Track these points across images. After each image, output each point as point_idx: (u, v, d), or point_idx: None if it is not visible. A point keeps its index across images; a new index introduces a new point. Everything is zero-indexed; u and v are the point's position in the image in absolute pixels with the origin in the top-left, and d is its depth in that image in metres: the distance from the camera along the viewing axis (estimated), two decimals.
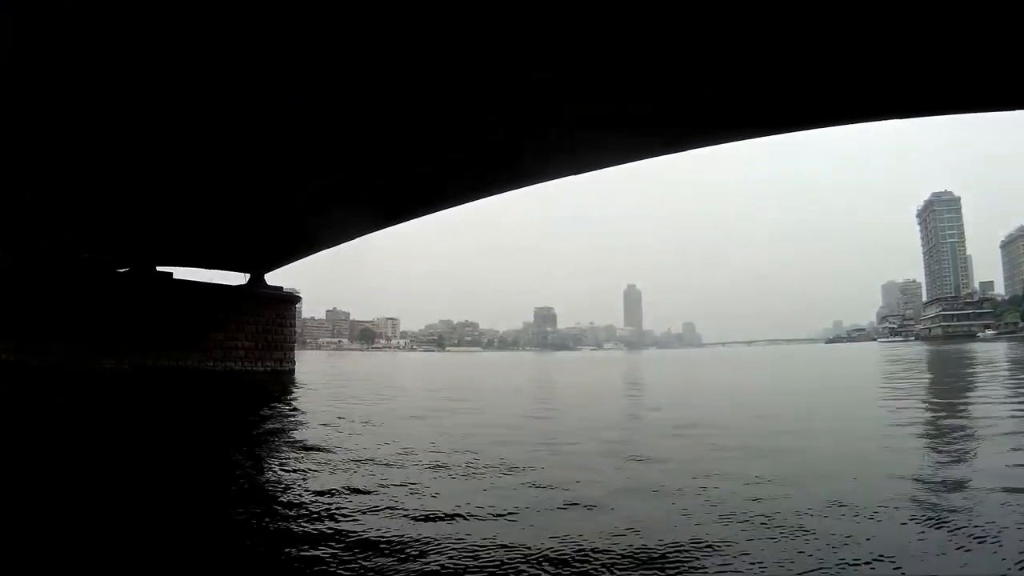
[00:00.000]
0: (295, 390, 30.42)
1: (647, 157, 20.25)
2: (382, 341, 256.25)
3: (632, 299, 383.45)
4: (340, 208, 26.40)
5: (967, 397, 22.18)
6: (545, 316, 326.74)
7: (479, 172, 21.91)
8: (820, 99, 14.50)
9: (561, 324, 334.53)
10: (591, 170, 21.75)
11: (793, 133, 17.34)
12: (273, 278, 42.62)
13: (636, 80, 13.44)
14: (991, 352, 61.49)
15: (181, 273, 39.90)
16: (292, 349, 44.88)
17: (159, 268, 38.37)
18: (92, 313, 34.50)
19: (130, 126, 16.76)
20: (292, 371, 42.76)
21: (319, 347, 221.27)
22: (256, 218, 28.27)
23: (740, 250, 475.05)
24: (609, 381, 43.88)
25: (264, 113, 15.89)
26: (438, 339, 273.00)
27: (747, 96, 14.19)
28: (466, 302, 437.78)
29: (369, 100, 15.04)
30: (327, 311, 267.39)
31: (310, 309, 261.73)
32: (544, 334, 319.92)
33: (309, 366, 59.64)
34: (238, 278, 42.40)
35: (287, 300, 44.72)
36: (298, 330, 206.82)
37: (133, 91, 14.40)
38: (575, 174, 22.40)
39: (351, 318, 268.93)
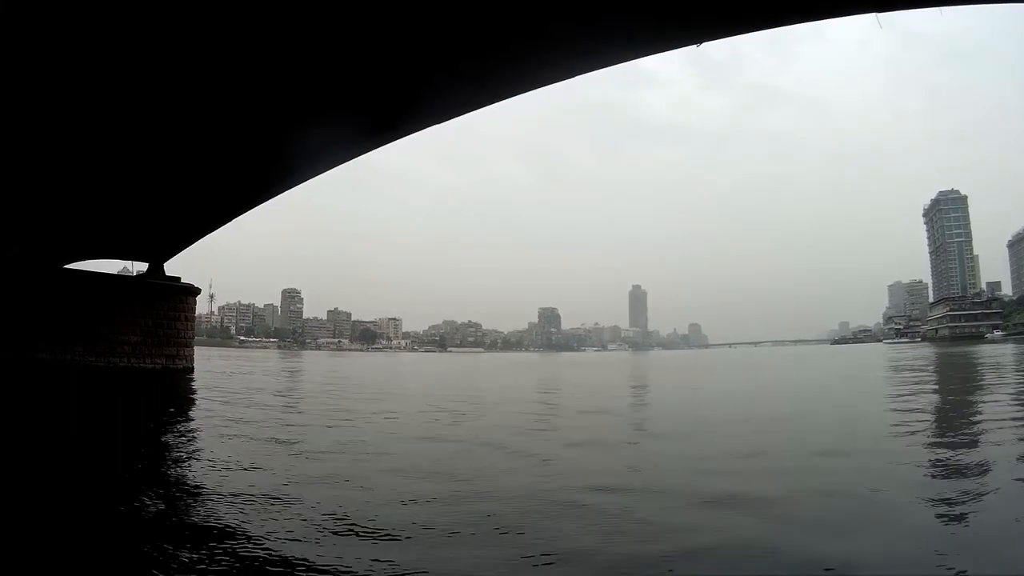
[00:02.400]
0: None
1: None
2: (383, 342, 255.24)
3: (637, 299, 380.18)
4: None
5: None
6: (549, 316, 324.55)
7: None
8: None
9: (566, 324, 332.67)
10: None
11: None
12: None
13: None
14: (1002, 356, 53.80)
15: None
16: (189, 345, 42.54)
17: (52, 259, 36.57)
18: None
19: None
20: (188, 369, 40.62)
21: (319, 347, 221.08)
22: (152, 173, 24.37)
23: (746, 250, 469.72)
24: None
25: None
26: (440, 340, 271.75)
27: None
28: (470, 303, 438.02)
29: None
30: (328, 311, 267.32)
31: (311, 309, 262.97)
32: (548, 335, 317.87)
33: (287, 366, 58.61)
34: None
35: (183, 292, 42.31)
36: (305, 327, 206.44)
37: None
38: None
39: (352, 318, 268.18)
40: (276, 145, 22.36)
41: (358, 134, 21.70)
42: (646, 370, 62.71)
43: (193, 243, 38.27)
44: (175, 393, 28.55)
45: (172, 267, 41.54)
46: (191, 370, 40.91)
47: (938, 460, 11.41)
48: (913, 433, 14.21)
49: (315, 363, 79.38)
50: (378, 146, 23.45)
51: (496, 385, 39.41)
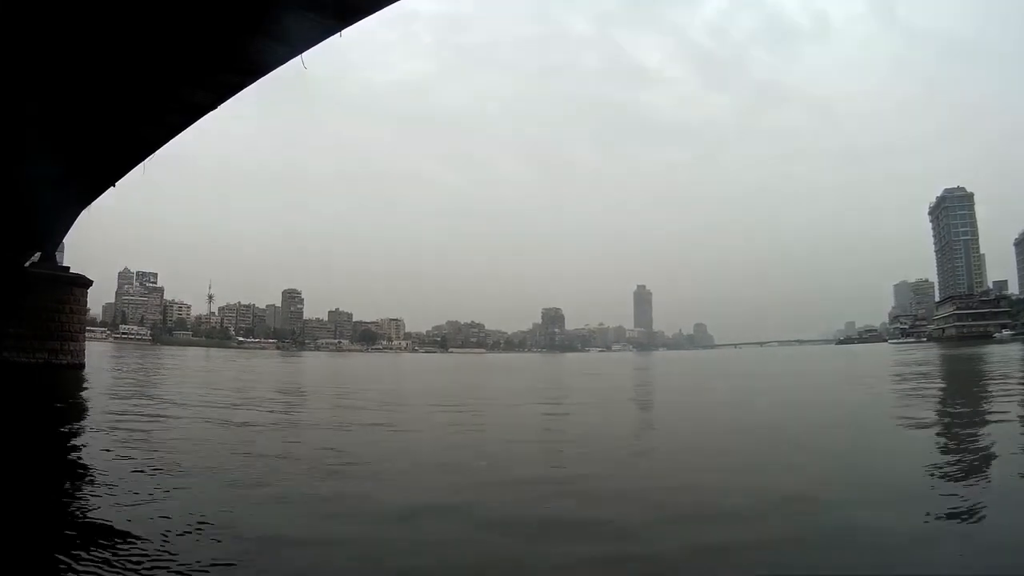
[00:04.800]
0: None
1: None
2: (383, 342, 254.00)
3: (642, 300, 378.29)
4: None
5: None
6: (553, 317, 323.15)
7: None
8: None
9: (569, 325, 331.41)
10: None
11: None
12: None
13: None
14: (1017, 357, 49.26)
15: None
16: (76, 340, 40.83)
17: None
18: None
19: None
20: (76, 365, 39.03)
21: (318, 348, 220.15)
22: None
23: (751, 250, 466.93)
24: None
25: None
26: (441, 340, 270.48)
27: None
28: (474, 304, 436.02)
29: None
30: (329, 312, 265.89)
31: (313, 310, 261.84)
32: (552, 335, 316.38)
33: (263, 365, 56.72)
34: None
35: (70, 282, 40.95)
36: (305, 328, 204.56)
37: None
38: None
39: (354, 319, 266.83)
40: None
41: None
42: (647, 381, 60.62)
43: (97, 196, 35.18)
44: None
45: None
46: (80, 366, 39.26)
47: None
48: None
49: (283, 365, 77.11)
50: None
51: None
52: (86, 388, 29.40)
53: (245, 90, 20.58)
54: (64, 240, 43.08)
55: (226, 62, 18.78)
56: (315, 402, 28.17)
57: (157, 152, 27.24)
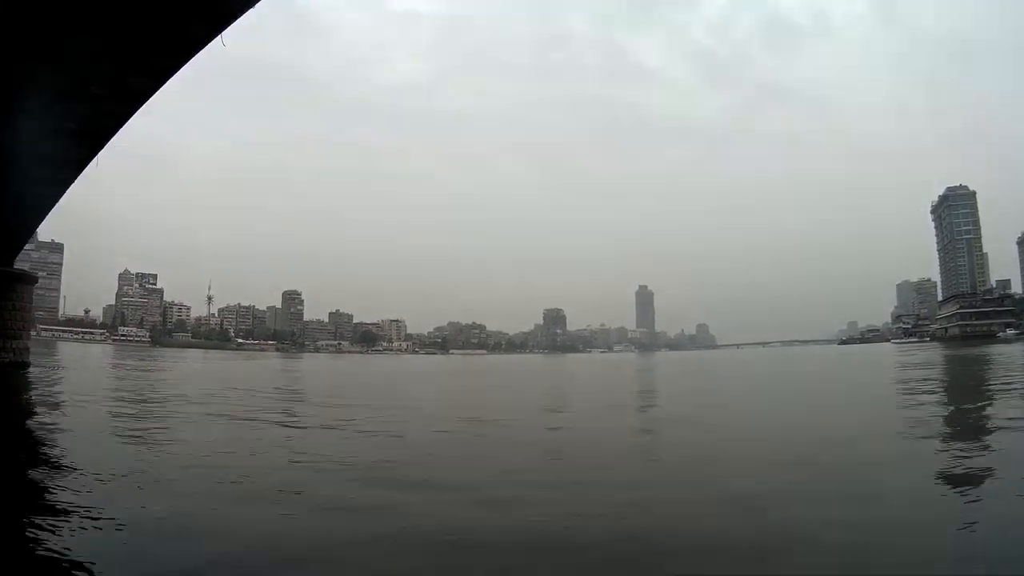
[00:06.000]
0: None
1: None
2: (384, 344, 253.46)
3: (644, 300, 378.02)
4: None
5: None
6: (555, 318, 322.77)
7: None
8: None
9: (571, 326, 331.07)
10: None
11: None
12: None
13: None
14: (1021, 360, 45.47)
15: None
16: (19, 337, 40.10)
17: None
18: None
19: None
20: (20, 364, 38.49)
21: (318, 349, 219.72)
22: None
23: (754, 250, 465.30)
24: None
25: None
26: (442, 341, 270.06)
27: None
28: (475, 305, 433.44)
29: None
30: (330, 313, 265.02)
31: (313, 311, 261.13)
32: (553, 336, 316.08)
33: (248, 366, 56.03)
34: None
35: (13, 279, 40.26)
36: (305, 329, 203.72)
37: None
38: None
39: (355, 320, 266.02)
40: None
41: None
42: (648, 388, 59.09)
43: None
44: None
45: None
46: (25, 364, 38.85)
47: None
48: None
49: (266, 366, 75.54)
50: None
51: None
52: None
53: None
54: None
55: (154, 43, 17.78)
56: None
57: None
